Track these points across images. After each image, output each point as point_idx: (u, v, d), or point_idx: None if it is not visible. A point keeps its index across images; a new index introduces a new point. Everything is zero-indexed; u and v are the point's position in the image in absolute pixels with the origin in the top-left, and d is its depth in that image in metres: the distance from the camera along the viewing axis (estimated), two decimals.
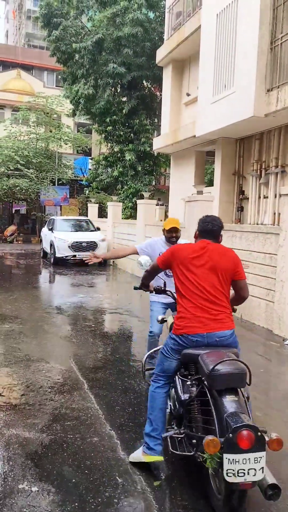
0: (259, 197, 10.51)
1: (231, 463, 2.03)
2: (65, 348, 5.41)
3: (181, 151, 13.29)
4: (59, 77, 21.62)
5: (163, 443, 2.72)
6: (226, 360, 2.28)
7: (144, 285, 3.32)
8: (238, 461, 2.03)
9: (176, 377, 2.80)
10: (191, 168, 12.98)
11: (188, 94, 12.98)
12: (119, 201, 15.96)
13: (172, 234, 4.18)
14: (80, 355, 5.04)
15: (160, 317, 3.63)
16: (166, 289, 3.36)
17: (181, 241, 4.25)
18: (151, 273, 3.12)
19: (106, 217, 15.82)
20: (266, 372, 4.61)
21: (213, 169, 17.58)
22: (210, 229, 2.82)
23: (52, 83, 30.69)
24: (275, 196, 9.87)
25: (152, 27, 16.50)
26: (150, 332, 4.45)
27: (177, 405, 2.77)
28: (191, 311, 2.59)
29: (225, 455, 2.04)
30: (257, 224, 10.48)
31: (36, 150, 22.27)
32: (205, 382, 2.35)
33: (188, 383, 2.60)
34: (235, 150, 11.24)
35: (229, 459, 2.03)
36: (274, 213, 9.94)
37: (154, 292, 3.39)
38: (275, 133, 9.81)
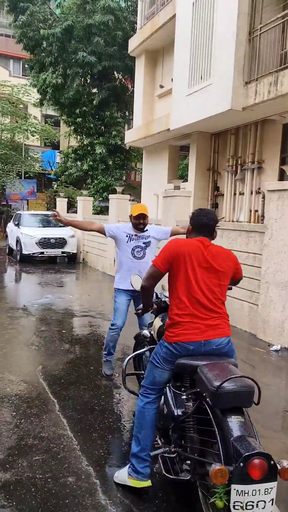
0: (235, 194, 10.27)
1: (239, 495, 1.80)
2: (32, 357, 4.84)
3: (154, 145, 12.87)
4: (26, 66, 20.62)
5: (151, 465, 2.48)
6: (233, 377, 2.05)
7: (148, 306, 2.87)
8: (248, 493, 1.80)
9: (167, 388, 2.55)
10: (164, 163, 12.59)
11: (161, 86, 12.56)
12: (89, 196, 15.36)
13: (140, 221, 4.06)
14: (49, 366, 4.50)
15: (147, 333, 3.17)
16: (163, 300, 3.04)
17: (148, 227, 4.18)
18: (154, 283, 2.62)
19: (76, 213, 15.19)
20: None
21: (185, 164, 17.26)
22: (205, 223, 2.57)
23: (18, 72, 29.44)
24: (252, 193, 9.64)
25: (124, 16, 15.91)
26: (112, 324, 4.24)
27: (167, 418, 2.50)
28: (186, 318, 2.37)
29: (233, 486, 1.80)
30: (233, 221, 10.22)
31: (0, 141, 21.28)
32: (207, 399, 2.09)
33: (184, 397, 2.33)
34: (210, 145, 10.94)
35: (237, 490, 1.80)
36: (250, 210, 9.71)
37: (155, 310, 3.05)
38: (252, 127, 9.56)
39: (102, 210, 16.78)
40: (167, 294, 3.05)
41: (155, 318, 3.16)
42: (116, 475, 2.56)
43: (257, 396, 2.07)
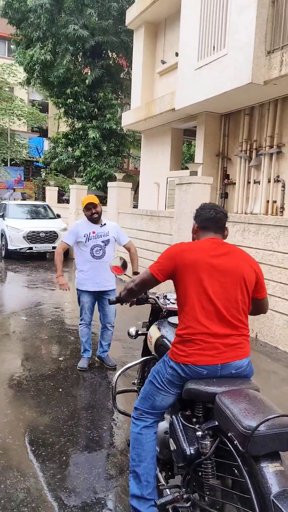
0: (248, 182, 9.14)
1: None
2: (17, 411, 3.37)
3: (155, 128, 11.62)
4: (12, 46, 19.07)
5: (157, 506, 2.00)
6: (271, 417, 1.57)
7: (124, 302, 2.46)
8: None
9: (175, 417, 2.05)
10: (166, 148, 11.37)
11: (163, 62, 11.29)
12: (83, 184, 14.07)
13: (91, 211, 4.04)
14: (42, 428, 3.13)
15: (133, 331, 2.73)
16: (149, 297, 2.61)
17: (108, 223, 4.21)
18: (144, 290, 2.26)
19: (67, 202, 13.90)
20: None
21: (183, 151, 16.03)
22: (213, 216, 2.14)
23: (3, 53, 27.70)
24: (269, 181, 8.52)
25: None
26: (81, 319, 4.31)
27: (175, 455, 2.00)
28: (200, 336, 1.95)
29: None
30: (246, 213, 9.09)
31: None
32: (235, 441, 1.64)
33: (199, 433, 1.86)
34: (219, 127, 9.74)
35: None
36: (267, 201, 8.58)
37: (135, 304, 2.66)
38: (270, 106, 8.38)
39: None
40: (173, 296, 2.50)
41: (149, 325, 2.70)
42: None
43: None
